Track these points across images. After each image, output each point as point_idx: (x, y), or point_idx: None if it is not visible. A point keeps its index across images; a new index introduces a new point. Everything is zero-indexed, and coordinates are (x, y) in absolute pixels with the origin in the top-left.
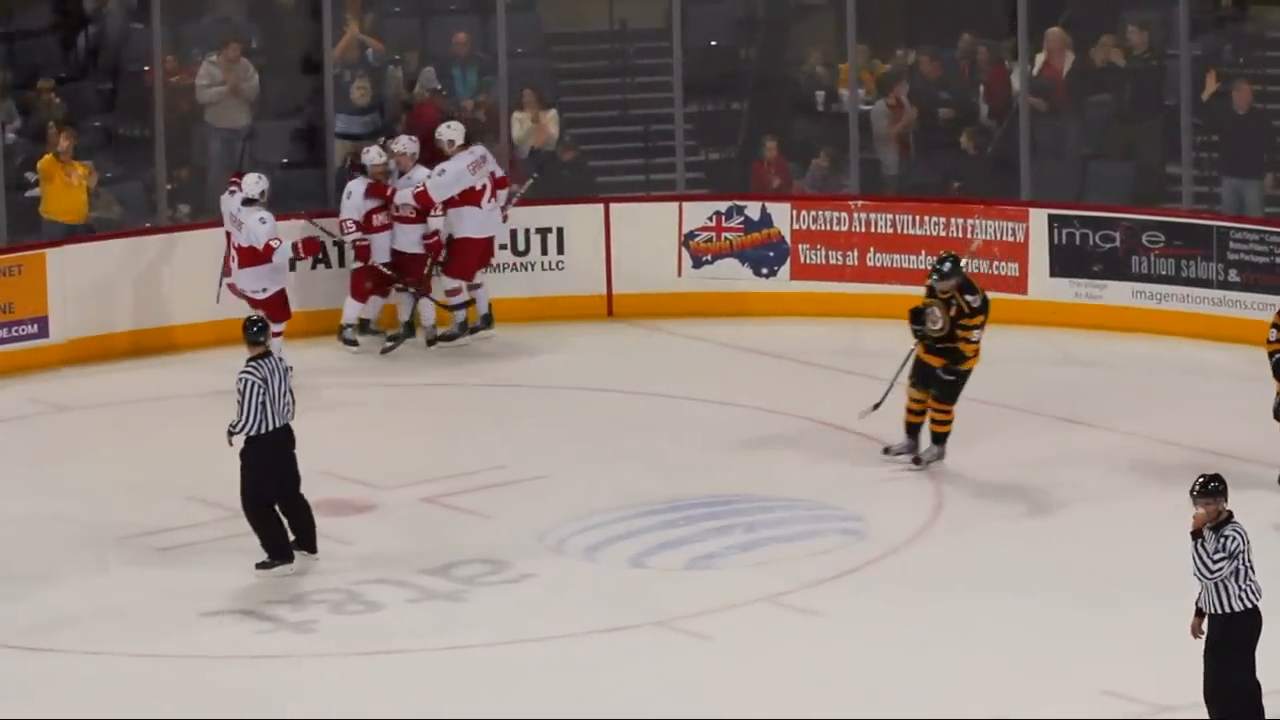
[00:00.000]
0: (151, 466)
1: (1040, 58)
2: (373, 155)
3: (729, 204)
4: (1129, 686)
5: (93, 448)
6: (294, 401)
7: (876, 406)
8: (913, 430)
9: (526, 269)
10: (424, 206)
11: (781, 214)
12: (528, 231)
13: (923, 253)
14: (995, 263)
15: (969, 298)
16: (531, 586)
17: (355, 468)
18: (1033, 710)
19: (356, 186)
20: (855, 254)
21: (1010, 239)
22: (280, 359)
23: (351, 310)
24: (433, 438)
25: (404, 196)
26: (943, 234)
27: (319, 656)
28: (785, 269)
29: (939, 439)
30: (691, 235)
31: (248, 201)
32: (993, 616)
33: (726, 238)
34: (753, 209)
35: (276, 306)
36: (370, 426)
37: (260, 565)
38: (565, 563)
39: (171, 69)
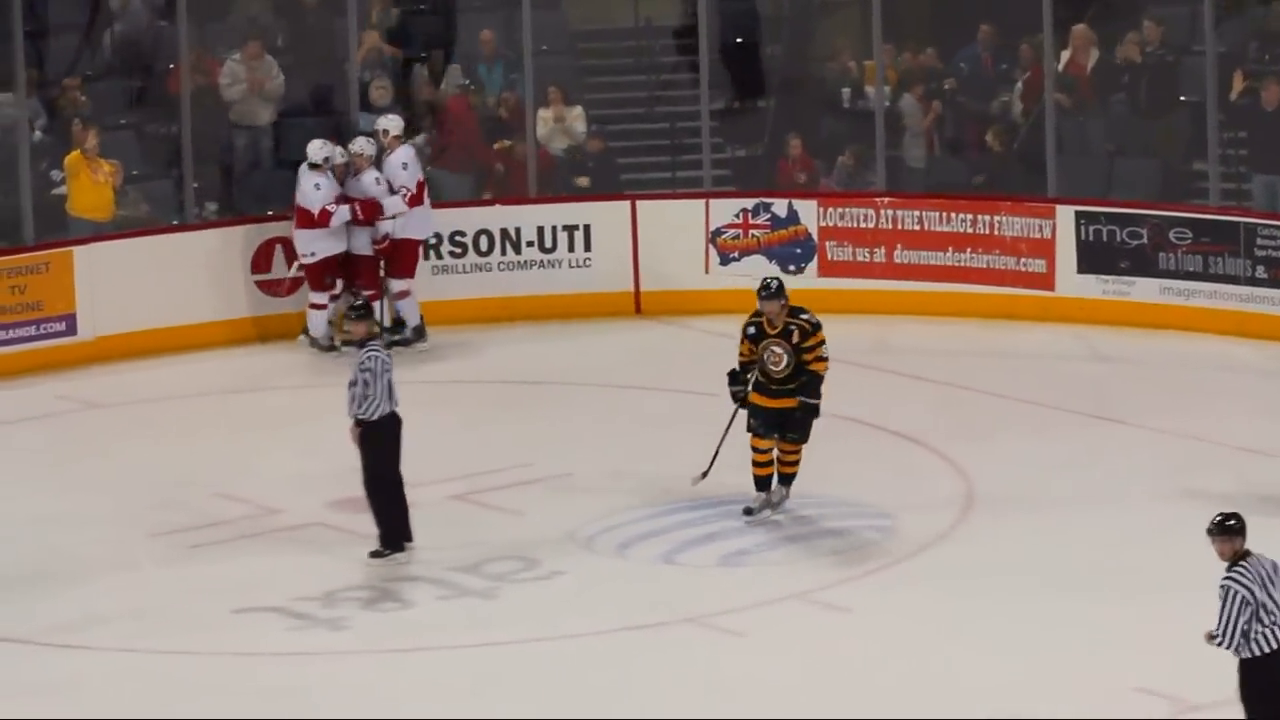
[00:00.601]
0: (180, 463)
1: (1066, 54)
2: (336, 154)
3: (756, 201)
4: (1161, 684)
5: (121, 445)
6: None
7: (705, 475)
8: (765, 483)
9: (553, 266)
10: (410, 205)
11: (808, 211)
12: (555, 229)
13: (950, 249)
14: (1023, 260)
15: (803, 316)
16: (562, 583)
17: None
18: (1063, 708)
19: (322, 179)
20: (882, 251)
21: (1037, 235)
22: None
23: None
24: (460, 435)
25: (395, 205)
26: (969, 230)
27: (351, 654)
28: (812, 266)
29: (789, 479)
30: (718, 232)
31: (312, 166)
32: (1022, 614)
33: (753, 235)
34: (779, 206)
35: (316, 274)
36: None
37: (374, 554)
38: (596, 559)
39: (197, 67)
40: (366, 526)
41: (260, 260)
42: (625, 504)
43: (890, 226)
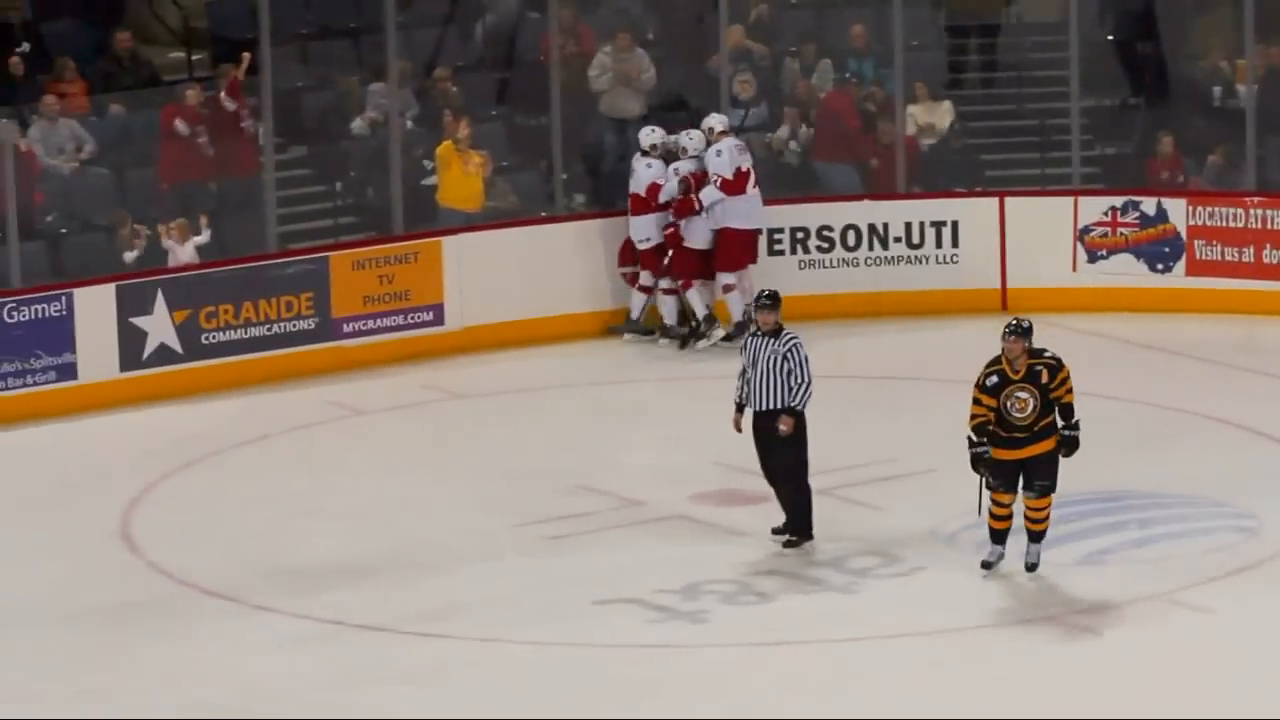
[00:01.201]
0: (544, 454)
1: None
2: (667, 140)
3: (1125, 199)
4: None
5: (485, 435)
6: None
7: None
8: (1003, 536)
9: (921, 262)
10: (728, 193)
11: (1177, 210)
12: (922, 225)
13: None
14: None
15: (1047, 355)
16: (923, 580)
17: (746, 459)
18: None
19: (654, 161)
20: (1251, 251)
21: None
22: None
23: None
24: (825, 429)
25: (709, 194)
26: None
27: (711, 647)
28: (1180, 265)
29: (1041, 536)
30: (1087, 230)
31: (642, 153)
32: None
33: (1122, 233)
34: (1148, 204)
35: (652, 259)
36: None
37: (790, 544)
38: (957, 557)
39: (568, 58)
40: (727, 520)
41: (625, 253)
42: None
43: (1259, 226)
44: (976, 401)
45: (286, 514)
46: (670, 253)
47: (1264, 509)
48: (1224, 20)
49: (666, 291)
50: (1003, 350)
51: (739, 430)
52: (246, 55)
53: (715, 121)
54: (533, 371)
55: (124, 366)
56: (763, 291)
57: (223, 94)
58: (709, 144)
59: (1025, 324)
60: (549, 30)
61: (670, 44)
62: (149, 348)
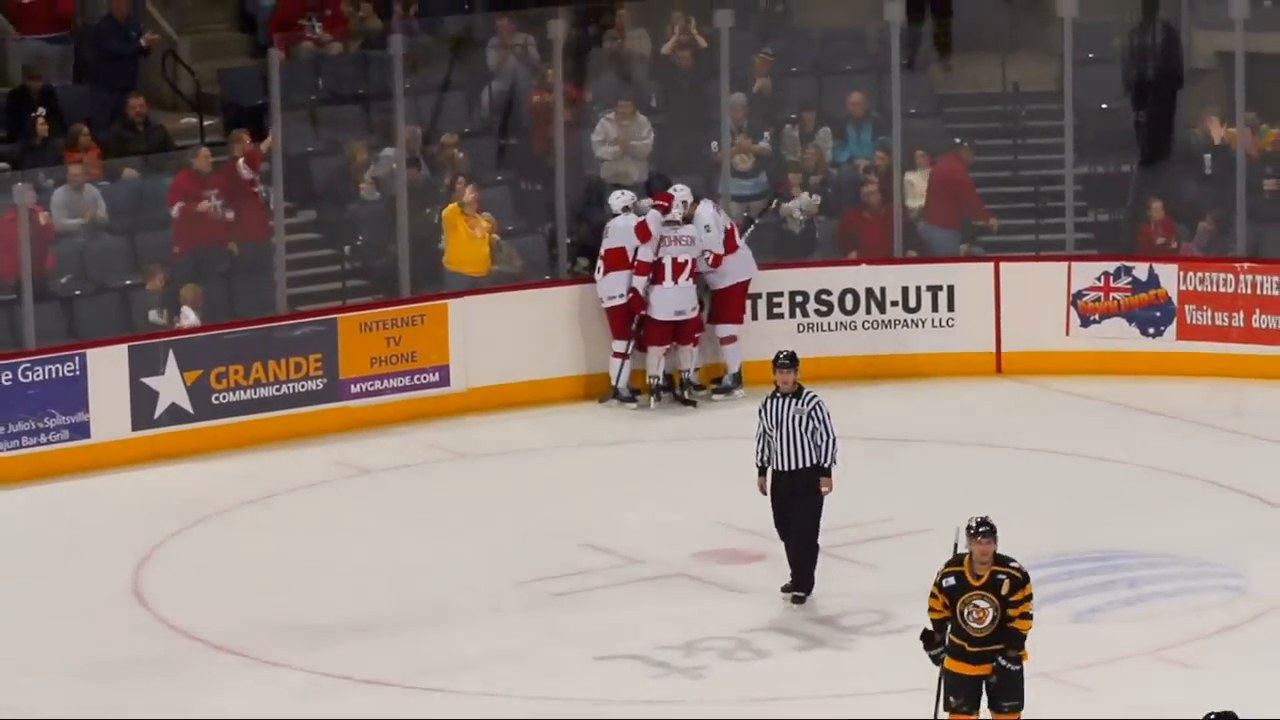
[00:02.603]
0: (546, 514)
1: None
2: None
3: (1117, 264)
4: None
5: (489, 494)
6: None
7: None
8: None
9: (917, 325)
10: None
11: (1168, 275)
12: (919, 289)
13: None
14: None
15: (1013, 564)
16: (915, 637)
17: (746, 518)
18: None
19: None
20: (1241, 315)
21: None
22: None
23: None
24: None
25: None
26: None
27: (708, 702)
28: (1171, 329)
29: None
30: (1080, 294)
31: (613, 216)
32: None
33: (1114, 297)
34: (1140, 270)
35: (620, 319)
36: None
37: (798, 600)
38: None
39: (571, 126)
40: (727, 577)
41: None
42: None
43: (1250, 291)
44: (932, 596)
45: (294, 571)
46: (637, 316)
47: (1251, 568)
48: (1215, 90)
49: (726, 341)
50: (969, 550)
51: (765, 493)
52: (252, 141)
53: (684, 194)
54: (536, 432)
55: (136, 426)
56: (781, 353)
57: (240, 162)
58: (685, 218)
59: (990, 524)
60: (550, 98)
61: (671, 112)
62: (160, 407)
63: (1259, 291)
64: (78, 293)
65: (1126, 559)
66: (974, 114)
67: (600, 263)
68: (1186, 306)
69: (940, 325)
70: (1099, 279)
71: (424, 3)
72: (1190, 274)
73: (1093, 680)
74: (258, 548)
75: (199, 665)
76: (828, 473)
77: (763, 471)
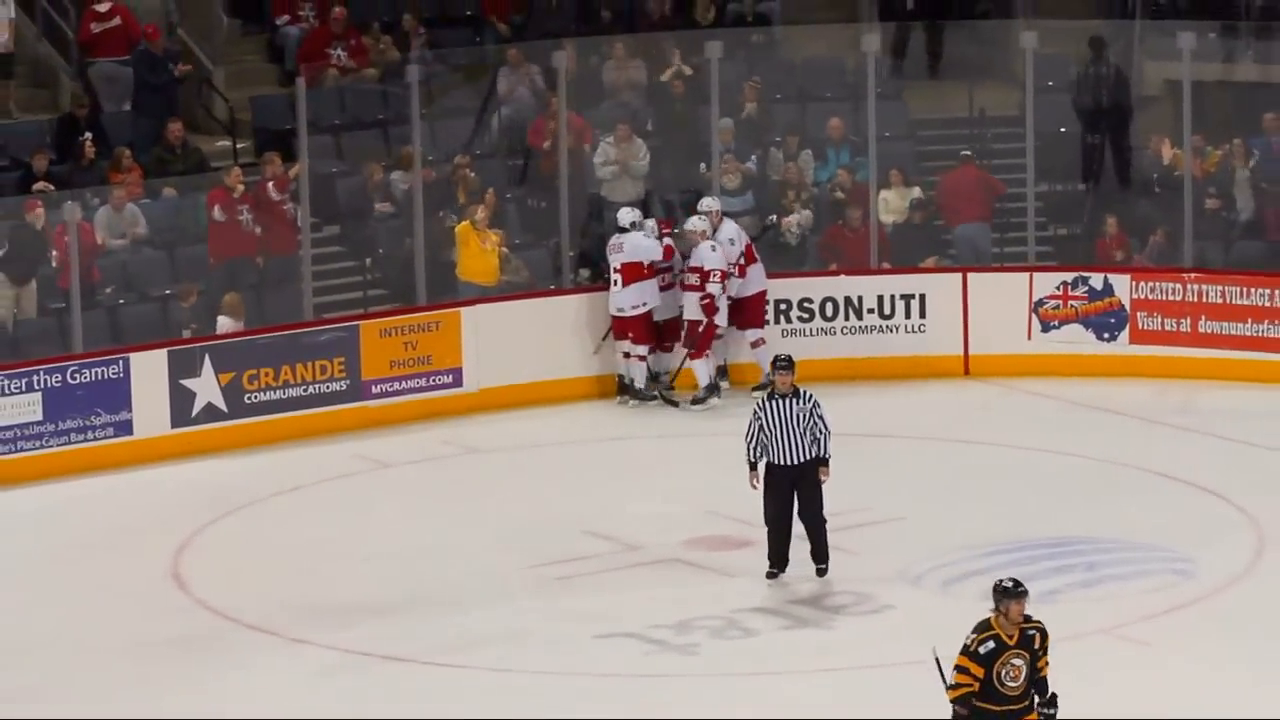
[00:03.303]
0: (551, 504)
1: None
2: (644, 221)
3: (1075, 275)
4: None
5: (499, 486)
6: None
7: None
8: None
9: (891, 331)
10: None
11: (1122, 284)
12: (893, 297)
13: (1249, 320)
14: None
15: (1034, 618)
16: (892, 616)
17: (734, 508)
18: None
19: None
20: (1188, 321)
21: None
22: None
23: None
24: None
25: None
26: (1268, 304)
27: (700, 676)
28: (1125, 334)
29: None
30: (1041, 302)
31: (621, 230)
32: None
33: (1072, 305)
34: (1096, 279)
35: (643, 326)
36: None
37: (821, 571)
38: (922, 595)
39: (574, 147)
40: (717, 562)
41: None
42: (950, 546)
43: (1196, 299)
44: (963, 670)
45: (319, 557)
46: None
47: (1198, 553)
48: (1164, 114)
49: (756, 344)
50: (1001, 613)
51: (755, 487)
52: (282, 163)
53: (712, 204)
54: (541, 429)
55: (175, 423)
56: (779, 356)
57: (270, 185)
58: (714, 228)
59: (1022, 586)
60: (556, 123)
61: (666, 135)
62: (197, 406)
63: (1204, 300)
64: (121, 302)
65: (1084, 544)
66: (944, 137)
67: (618, 276)
68: (1138, 313)
69: (913, 331)
70: (1058, 288)
71: (438, 35)
72: (1141, 283)
73: (1052, 656)
74: (286, 535)
75: (232, 642)
76: (826, 462)
77: (753, 467)
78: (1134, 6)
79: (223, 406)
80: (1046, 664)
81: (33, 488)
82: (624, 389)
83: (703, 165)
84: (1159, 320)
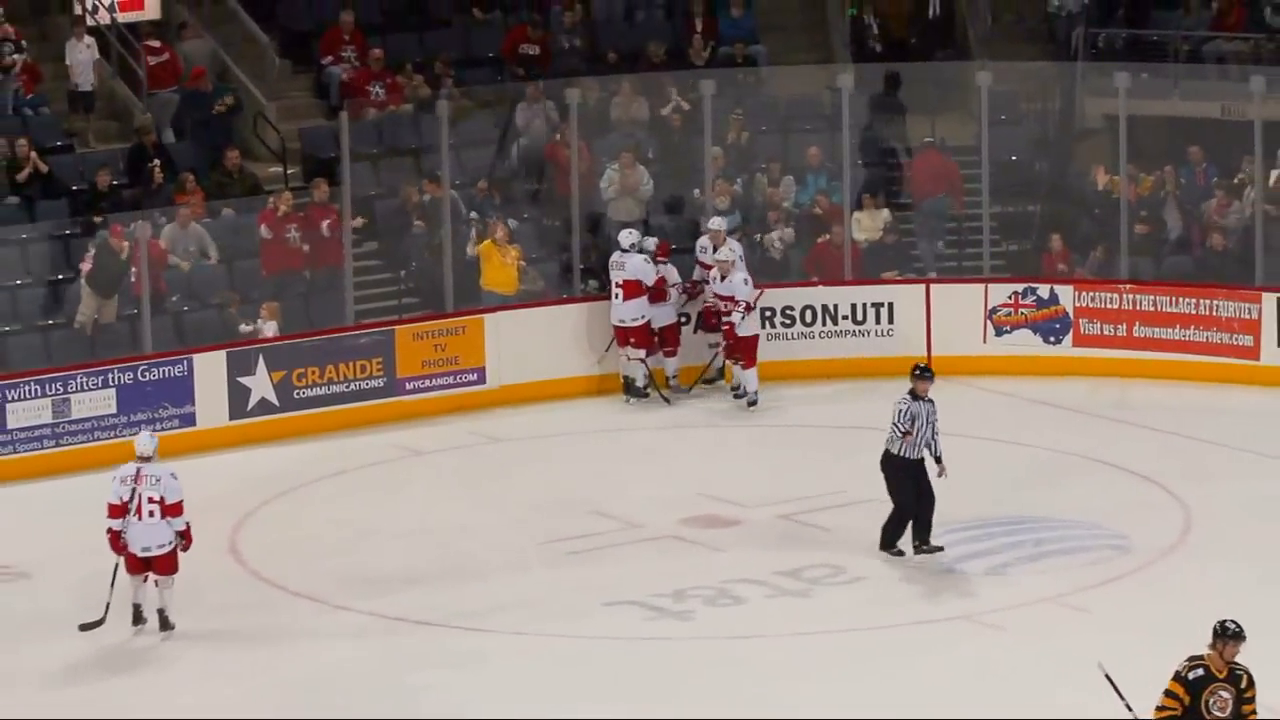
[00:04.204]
0: (563, 487)
1: (1275, 173)
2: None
3: (1024, 286)
4: None
5: (517, 471)
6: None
7: None
8: None
9: (863, 335)
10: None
11: (1066, 294)
12: (865, 305)
13: (1177, 326)
14: (1235, 335)
15: (1240, 662)
16: (864, 586)
17: (726, 490)
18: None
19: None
20: (1124, 327)
21: (1246, 317)
22: None
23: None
24: (788, 468)
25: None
26: (1194, 311)
27: (694, 639)
28: (1068, 338)
29: None
30: (994, 310)
31: (622, 251)
32: (1232, 615)
33: (1022, 312)
34: (1043, 290)
35: (645, 334)
36: (740, 459)
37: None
38: (891, 568)
39: (584, 173)
40: (710, 539)
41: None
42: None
43: (1131, 308)
44: (1171, 695)
45: (359, 533)
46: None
47: (1132, 531)
48: (1103, 145)
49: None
50: (1218, 650)
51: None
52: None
53: (720, 224)
54: (554, 421)
55: (232, 416)
56: (920, 365)
57: (324, 225)
58: (715, 247)
59: (1237, 627)
60: (567, 150)
61: (664, 162)
62: (252, 401)
63: (1138, 308)
64: (185, 309)
65: (1033, 523)
66: (909, 164)
67: (619, 290)
68: (1081, 320)
69: (882, 335)
70: (1010, 297)
71: (465, 74)
72: (1083, 293)
73: (1004, 621)
74: (330, 514)
75: (281, 608)
76: (940, 458)
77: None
78: (1076, 50)
79: (275, 401)
80: (1253, 710)
81: (107, 472)
82: (628, 389)
83: (695, 191)
84: (1099, 326)
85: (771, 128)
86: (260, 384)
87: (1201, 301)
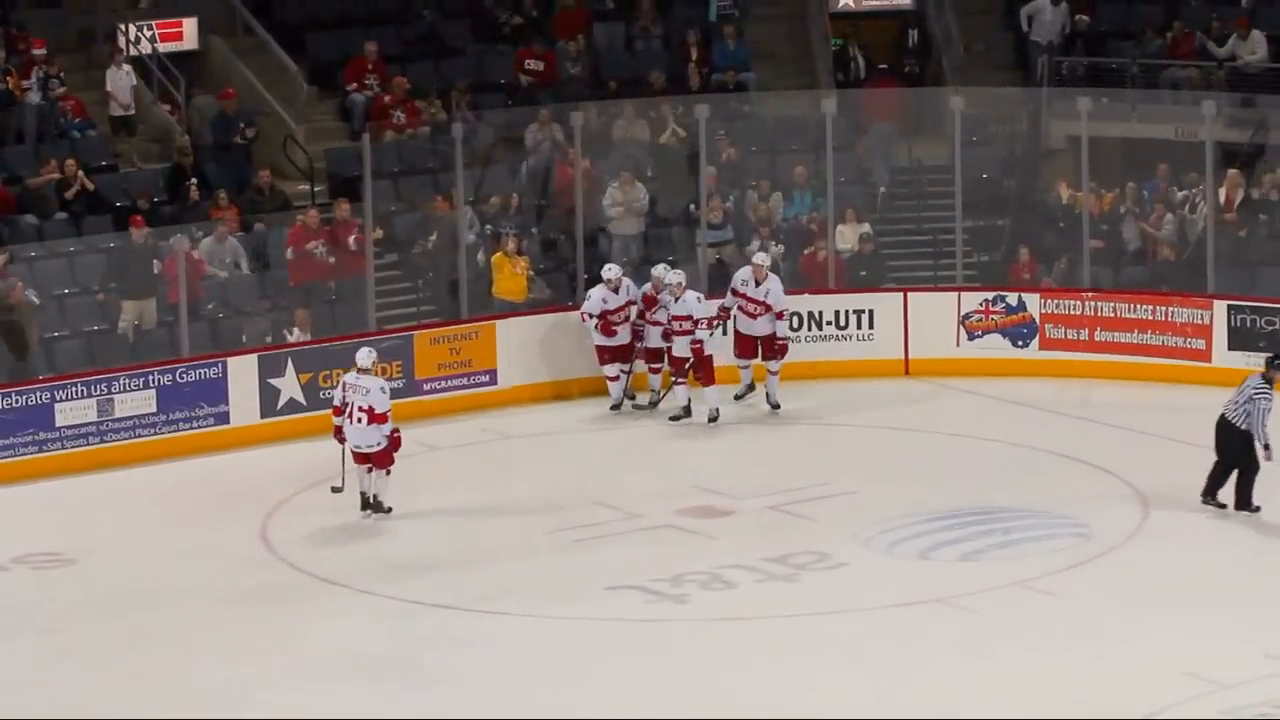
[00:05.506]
0: (569, 479)
1: (1223, 191)
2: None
3: (994, 293)
4: None
5: (527, 465)
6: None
7: None
8: None
9: (846, 339)
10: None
11: (1033, 302)
12: (847, 312)
13: (1135, 331)
14: (1188, 339)
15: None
16: (847, 572)
17: (720, 483)
18: (1222, 668)
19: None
20: (1087, 331)
21: (1199, 322)
22: None
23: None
24: (780, 461)
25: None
26: (1150, 317)
27: (691, 621)
28: (1035, 342)
29: None
30: (967, 316)
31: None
32: (1186, 595)
33: (992, 318)
34: (1011, 298)
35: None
36: (732, 454)
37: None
38: (871, 555)
39: (585, 191)
40: (704, 528)
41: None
42: (895, 515)
43: (1093, 314)
44: None
45: (382, 522)
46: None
47: (1094, 520)
48: (1067, 163)
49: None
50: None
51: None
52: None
53: (764, 259)
54: (562, 419)
55: (263, 414)
56: (1276, 356)
57: (351, 240)
58: (757, 281)
59: None
60: (572, 170)
61: (662, 180)
62: (281, 400)
63: (1100, 314)
64: (220, 316)
65: (1002, 513)
66: (888, 181)
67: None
68: (1046, 325)
69: (863, 339)
70: (981, 304)
71: (478, 99)
72: (1049, 301)
73: (976, 604)
74: (353, 505)
75: (309, 592)
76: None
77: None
78: (1042, 76)
79: (302, 400)
80: None
81: (148, 467)
82: (630, 395)
83: (691, 206)
84: (1063, 330)
85: (760, 148)
86: (289, 385)
87: (1158, 308)
